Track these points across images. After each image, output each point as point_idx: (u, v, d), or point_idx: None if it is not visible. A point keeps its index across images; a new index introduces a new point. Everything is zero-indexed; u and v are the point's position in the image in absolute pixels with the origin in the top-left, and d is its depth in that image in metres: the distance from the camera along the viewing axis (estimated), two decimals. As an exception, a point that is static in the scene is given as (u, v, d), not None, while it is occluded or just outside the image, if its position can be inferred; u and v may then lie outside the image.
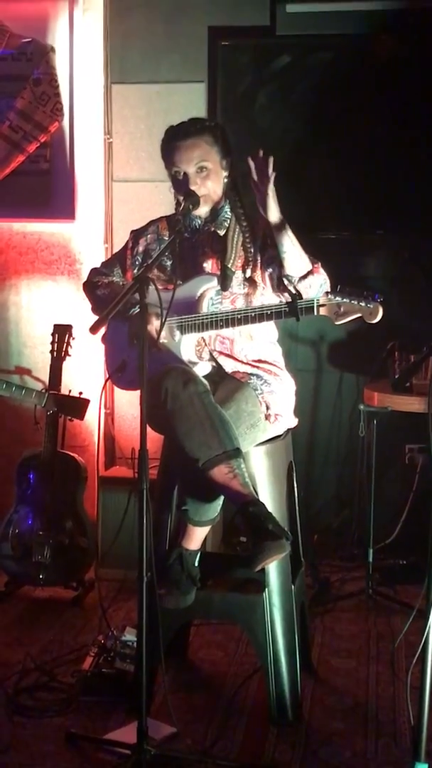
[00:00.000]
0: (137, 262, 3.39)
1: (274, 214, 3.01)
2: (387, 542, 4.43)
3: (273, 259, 3.12)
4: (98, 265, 3.57)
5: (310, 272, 3.05)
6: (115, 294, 3.24)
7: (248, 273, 3.24)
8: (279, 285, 3.10)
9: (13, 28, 4.60)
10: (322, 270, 3.08)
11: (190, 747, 2.96)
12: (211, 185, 3.25)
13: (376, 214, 4.60)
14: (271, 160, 2.97)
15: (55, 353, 4.23)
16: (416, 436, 4.37)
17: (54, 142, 4.66)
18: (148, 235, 3.41)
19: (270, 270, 3.15)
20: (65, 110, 4.62)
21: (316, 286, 3.05)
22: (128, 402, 4.73)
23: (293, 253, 3.03)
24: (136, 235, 3.44)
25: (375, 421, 4.11)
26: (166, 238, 3.33)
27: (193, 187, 3.21)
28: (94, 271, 3.51)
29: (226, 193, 3.30)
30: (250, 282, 3.24)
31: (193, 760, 2.87)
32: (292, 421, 3.33)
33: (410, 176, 4.50)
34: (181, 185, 3.23)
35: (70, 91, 4.63)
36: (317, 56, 4.59)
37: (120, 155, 4.74)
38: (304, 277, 3.04)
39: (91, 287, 3.46)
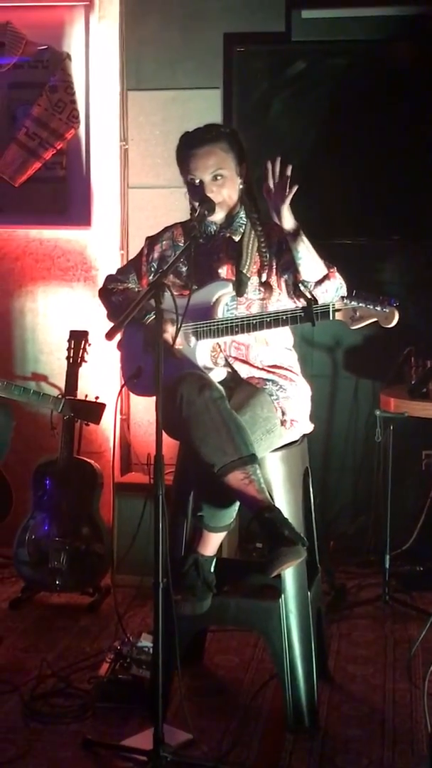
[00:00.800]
0: (153, 269, 3.39)
1: (288, 221, 3.01)
2: (404, 548, 4.41)
3: (289, 265, 3.11)
4: (114, 272, 3.58)
5: (326, 277, 3.04)
6: (131, 300, 3.24)
7: (264, 278, 3.24)
8: (295, 291, 3.10)
9: (30, 36, 4.63)
10: (338, 274, 3.07)
11: (206, 753, 2.95)
12: (226, 192, 3.25)
13: (391, 220, 4.59)
14: (290, 169, 2.97)
15: (71, 359, 4.24)
16: (433, 442, 4.37)
17: (70, 149, 4.68)
18: (164, 242, 3.41)
19: (286, 276, 3.15)
20: (81, 117, 4.64)
21: (332, 290, 3.04)
22: (144, 408, 4.74)
23: (308, 258, 3.02)
24: (152, 241, 3.44)
25: (391, 427, 4.10)
26: (182, 245, 3.32)
27: (208, 194, 3.21)
28: (109, 278, 3.52)
29: (241, 199, 3.30)
30: (266, 287, 3.24)
31: (209, 766, 2.86)
32: (308, 427, 3.32)
33: (426, 182, 4.50)
34: (196, 192, 3.24)
35: (86, 98, 4.65)
36: (333, 62, 4.59)
37: (135, 162, 4.75)
38: (320, 282, 3.04)
39: (106, 294, 3.47)
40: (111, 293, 3.45)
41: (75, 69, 4.62)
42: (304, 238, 3.02)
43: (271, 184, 3.01)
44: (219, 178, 3.22)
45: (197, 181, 3.23)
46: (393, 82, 4.52)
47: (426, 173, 4.50)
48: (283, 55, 4.62)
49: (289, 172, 2.98)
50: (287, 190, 2.97)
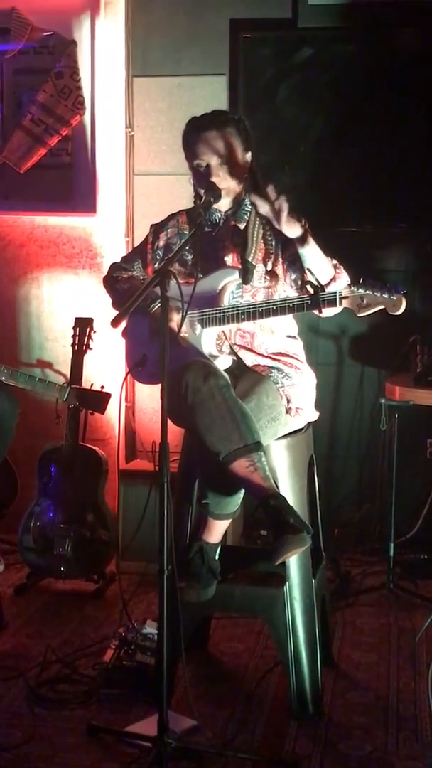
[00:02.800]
0: (158, 257, 3.39)
1: (292, 232, 2.99)
2: (408, 536, 4.41)
3: (294, 258, 3.10)
4: (118, 259, 3.57)
5: (332, 279, 3.04)
6: (136, 288, 3.25)
7: (269, 266, 3.24)
8: (302, 288, 3.10)
9: (36, 22, 4.61)
10: (343, 273, 3.08)
11: (211, 740, 2.96)
12: (232, 178, 3.24)
13: (397, 208, 4.58)
14: (271, 189, 2.96)
15: (76, 346, 4.24)
16: (438, 430, 4.37)
17: (75, 136, 4.67)
18: (168, 229, 3.40)
19: (293, 276, 3.15)
20: (87, 103, 4.63)
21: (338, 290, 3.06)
22: (149, 395, 4.74)
23: (316, 263, 3.02)
24: (156, 229, 3.44)
25: (396, 415, 4.10)
26: (187, 232, 3.32)
27: (215, 179, 3.20)
28: (114, 266, 3.51)
29: (246, 187, 3.29)
30: (272, 275, 3.23)
31: (213, 752, 2.87)
32: (313, 415, 3.32)
33: (432, 169, 4.49)
34: (202, 177, 3.23)
35: (92, 84, 4.63)
36: (339, 48, 4.58)
37: (141, 148, 4.73)
38: (327, 284, 3.04)
39: (111, 282, 3.46)
40: (116, 281, 3.44)
41: (81, 55, 4.61)
42: (312, 243, 3.00)
43: (264, 210, 3.00)
44: (227, 163, 3.21)
45: (204, 165, 3.22)
46: (399, 69, 4.51)
47: (432, 161, 4.49)
48: (290, 41, 4.60)
49: (273, 195, 2.96)
50: (282, 211, 2.96)
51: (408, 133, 4.50)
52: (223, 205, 3.26)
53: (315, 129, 4.60)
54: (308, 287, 3.04)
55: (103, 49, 4.63)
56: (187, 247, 3.17)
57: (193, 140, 3.24)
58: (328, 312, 3.05)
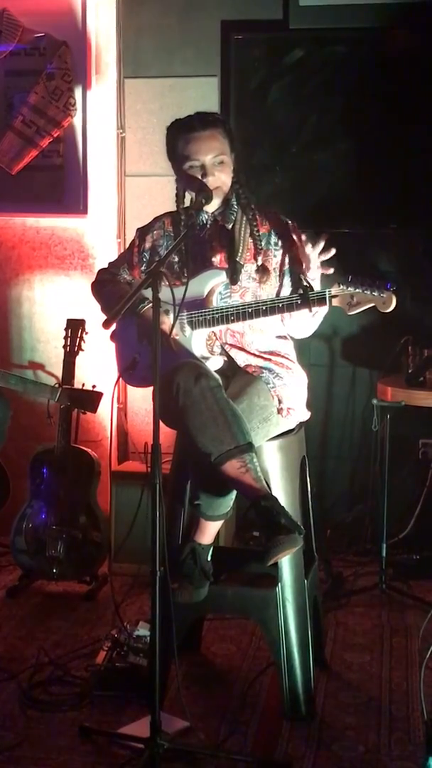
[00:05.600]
0: (145, 259, 3.39)
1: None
2: (400, 537, 4.42)
3: (294, 263, 3.16)
4: (108, 263, 3.57)
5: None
6: (121, 291, 3.26)
7: (260, 261, 3.24)
8: (294, 287, 3.13)
9: (27, 23, 4.61)
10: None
11: (203, 741, 2.96)
12: (224, 178, 3.25)
13: (389, 208, 4.59)
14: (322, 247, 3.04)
15: (68, 348, 4.24)
16: (430, 431, 4.37)
17: (67, 137, 4.67)
18: (154, 232, 3.40)
19: (289, 285, 3.19)
20: (78, 105, 4.63)
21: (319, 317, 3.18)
22: (141, 397, 4.74)
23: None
24: (142, 232, 3.44)
25: (388, 416, 4.11)
26: (173, 234, 3.33)
27: (210, 179, 3.20)
28: (101, 272, 3.52)
29: (232, 186, 3.29)
30: (263, 270, 3.24)
31: (206, 754, 2.87)
32: (305, 415, 3.32)
33: (424, 170, 4.49)
34: (193, 180, 3.21)
35: (83, 85, 4.63)
36: (331, 50, 4.58)
37: (133, 150, 4.73)
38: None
39: (98, 287, 3.47)
40: (103, 285, 3.45)
41: (72, 56, 4.60)
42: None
43: (311, 251, 3.03)
44: (220, 162, 3.22)
45: (198, 165, 3.21)
46: (390, 70, 4.52)
47: (424, 162, 4.49)
48: (281, 42, 4.60)
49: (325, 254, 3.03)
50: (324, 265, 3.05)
51: (399, 133, 4.51)
52: (212, 205, 3.25)
53: (306, 130, 4.60)
54: (299, 288, 3.05)
55: (94, 51, 4.63)
56: (176, 249, 3.16)
57: (185, 140, 3.23)
58: (318, 317, 3.08)
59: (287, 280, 3.24)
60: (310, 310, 3.02)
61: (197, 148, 3.21)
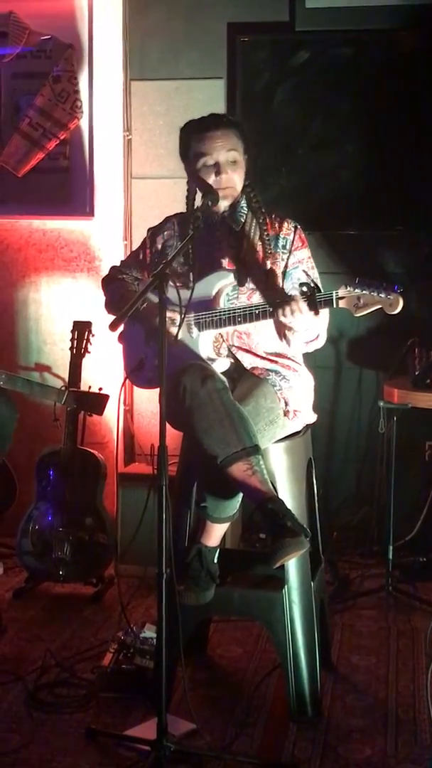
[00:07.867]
0: (155, 260, 3.39)
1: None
2: (407, 539, 4.41)
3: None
4: (118, 262, 3.57)
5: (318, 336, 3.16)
6: (125, 291, 3.26)
7: (268, 265, 3.23)
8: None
9: (33, 26, 4.62)
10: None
11: (210, 743, 2.96)
12: (236, 178, 3.24)
13: (395, 210, 4.58)
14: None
15: (74, 350, 4.24)
16: (437, 433, 4.36)
17: (73, 140, 4.67)
18: (165, 232, 3.40)
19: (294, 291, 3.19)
20: (84, 107, 4.63)
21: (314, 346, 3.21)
22: (147, 399, 4.74)
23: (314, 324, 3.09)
24: (154, 232, 3.44)
25: (395, 418, 4.10)
26: (181, 235, 3.32)
27: (223, 176, 3.20)
28: (113, 269, 3.52)
29: (243, 189, 3.29)
30: (270, 273, 3.23)
31: (212, 756, 2.87)
32: (311, 417, 3.32)
33: (430, 172, 4.48)
34: (205, 179, 3.20)
35: (90, 88, 4.64)
36: (337, 52, 4.57)
37: (139, 152, 4.74)
38: (312, 340, 3.16)
39: (108, 281, 3.48)
40: (112, 282, 3.45)
41: (78, 59, 4.61)
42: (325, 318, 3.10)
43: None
44: (234, 160, 3.22)
45: (212, 162, 3.21)
46: (397, 72, 4.51)
47: (430, 163, 4.48)
48: (287, 45, 4.60)
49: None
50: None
51: (405, 135, 4.50)
52: (223, 206, 3.25)
53: (313, 132, 4.60)
54: (304, 288, 3.03)
55: (100, 53, 4.64)
56: (183, 251, 3.16)
57: (199, 138, 3.22)
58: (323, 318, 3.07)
59: (288, 284, 3.22)
60: (317, 313, 3.01)
61: (212, 146, 3.21)
